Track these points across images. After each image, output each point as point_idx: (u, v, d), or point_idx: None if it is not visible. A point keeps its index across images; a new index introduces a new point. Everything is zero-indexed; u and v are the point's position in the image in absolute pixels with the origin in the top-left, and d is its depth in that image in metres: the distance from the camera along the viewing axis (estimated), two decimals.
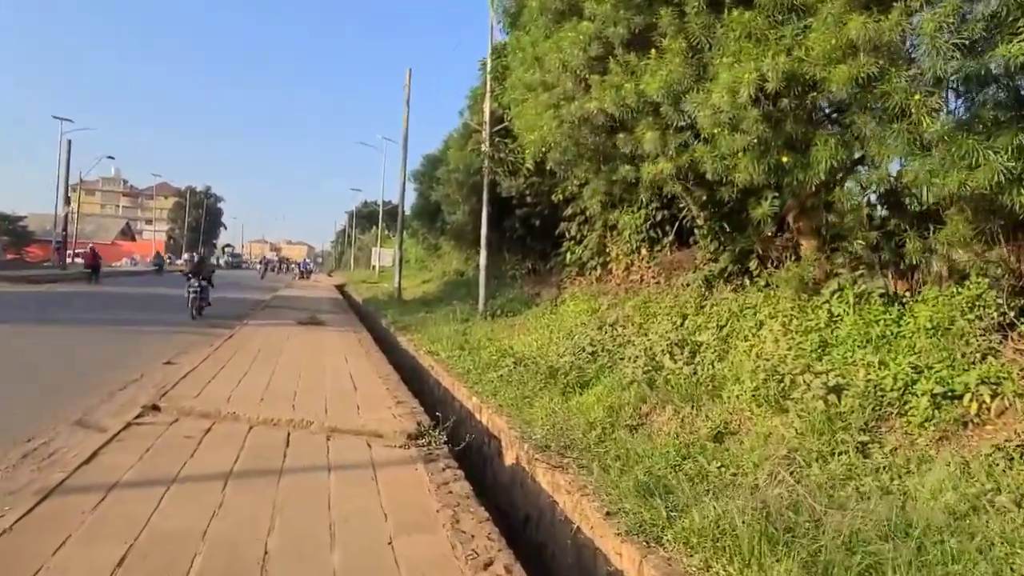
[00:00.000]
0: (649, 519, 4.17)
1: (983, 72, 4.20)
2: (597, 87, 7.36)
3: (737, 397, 6.30)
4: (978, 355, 5.53)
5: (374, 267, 51.92)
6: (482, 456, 7.36)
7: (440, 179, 21.11)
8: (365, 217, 79.80)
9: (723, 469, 4.96)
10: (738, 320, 8.11)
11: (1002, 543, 3.45)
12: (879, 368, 5.83)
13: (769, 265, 8.82)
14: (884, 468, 4.73)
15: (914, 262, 6.36)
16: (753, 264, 9.01)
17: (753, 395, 6.13)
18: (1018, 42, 3.93)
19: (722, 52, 6.21)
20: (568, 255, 14.18)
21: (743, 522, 3.76)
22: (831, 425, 5.28)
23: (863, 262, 7.33)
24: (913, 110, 4.58)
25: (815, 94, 5.99)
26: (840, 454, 4.96)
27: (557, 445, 5.84)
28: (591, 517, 4.48)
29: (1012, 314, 5.75)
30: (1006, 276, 6.08)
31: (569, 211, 13.92)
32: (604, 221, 13.16)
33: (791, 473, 4.66)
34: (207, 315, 17.61)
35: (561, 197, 13.97)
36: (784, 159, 6.18)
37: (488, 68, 15.64)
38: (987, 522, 3.75)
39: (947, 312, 5.93)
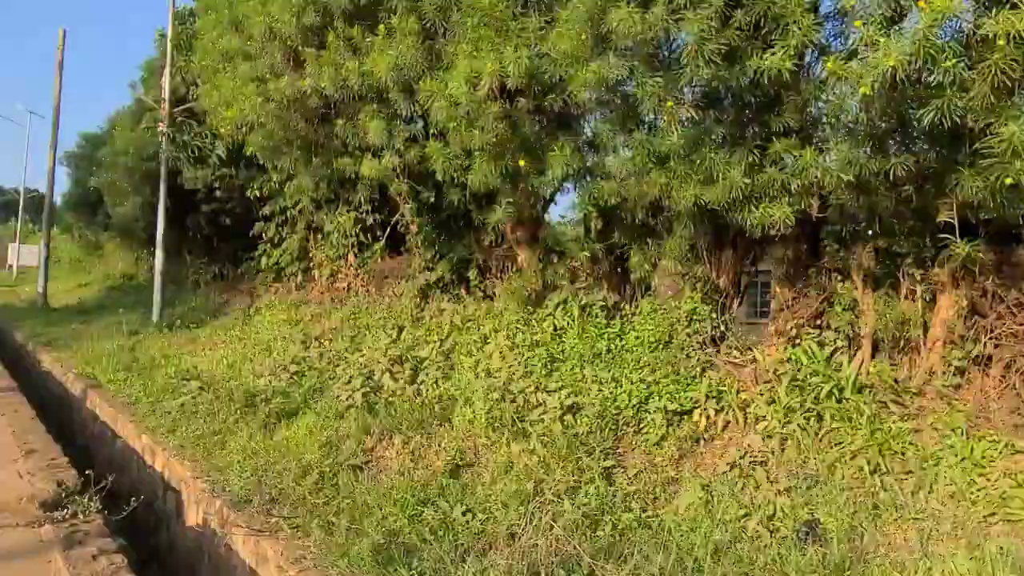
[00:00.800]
0: None
1: (736, 82, 4.12)
2: (312, 63, 6.26)
3: (470, 421, 5.70)
4: (699, 368, 5.64)
5: (11, 267, 42.74)
6: (156, 514, 5.74)
7: (104, 163, 17.64)
8: (1, 207, 65.73)
9: (470, 515, 4.24)
10: (461, 333, 7.61)
11: None
12: (612, 384, 5.67)
13: (489, 276, 8.52)
14: (633, 495, 4.46)
15: (638, 276, 6.39)
16: (472, 274, 8.65)
17: (487, 418, 5.58)
18: (770, 55, 3.87)
19: (459, 39, 5.60)
20: (264, 259, 12.65)
21: None
22: (573, 451, 4.91)
23: (582, 273, 7.31)
24: (665, 117, 4.38)
25: (554, 95, 5.68)
26: (588, 483, 4.59)
27: (261, 499, 4.61)
28: None
29: (722, 327, 6.02)
30: (710, 291, 6.39)
31: (267, 210, 12.39)
32: (308, 223, 11.94)
33: (545, 512, 4.12)
34: None
35: (258, 193, 12.38)
36: (521, 162, 5.77)
37: (169, 35, 13.26)
38: (751, 554, 3.56)
39: (667, 326, 6.02)
